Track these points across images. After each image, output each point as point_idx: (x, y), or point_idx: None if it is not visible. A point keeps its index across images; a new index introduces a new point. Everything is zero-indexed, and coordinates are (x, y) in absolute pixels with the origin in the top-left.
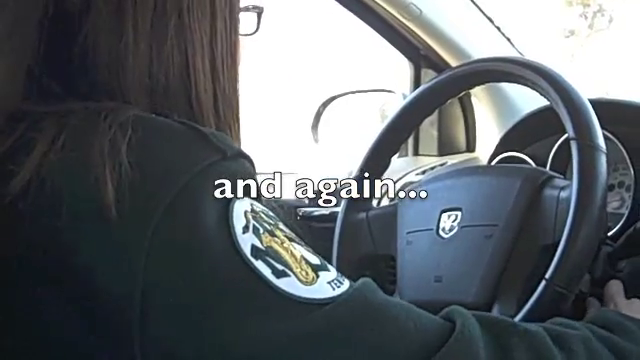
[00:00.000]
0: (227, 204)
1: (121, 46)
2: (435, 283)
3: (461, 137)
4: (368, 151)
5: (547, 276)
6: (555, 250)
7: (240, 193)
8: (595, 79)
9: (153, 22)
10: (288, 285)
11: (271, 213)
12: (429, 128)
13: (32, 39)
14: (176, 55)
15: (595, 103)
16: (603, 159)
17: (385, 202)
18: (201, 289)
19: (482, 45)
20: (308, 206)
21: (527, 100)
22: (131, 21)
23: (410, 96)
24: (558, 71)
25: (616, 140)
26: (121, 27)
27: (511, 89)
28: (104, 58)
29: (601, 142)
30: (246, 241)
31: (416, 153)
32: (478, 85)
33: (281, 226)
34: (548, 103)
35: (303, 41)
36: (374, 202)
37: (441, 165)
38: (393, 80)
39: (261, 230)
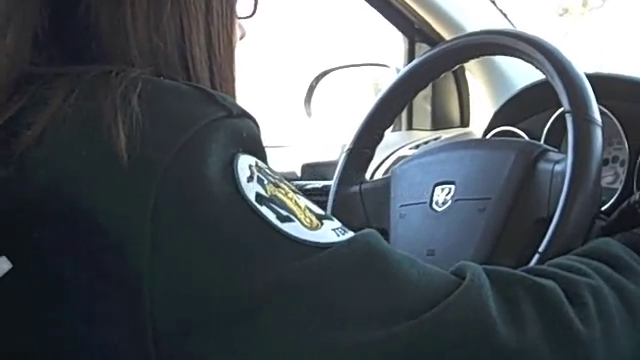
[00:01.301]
0: (232, 156)
1: (119, 15)
2: (428, 257)
3: (455, 111)
4: (361, 125)
5: (540, 249)
6: (549, 224)
7: (245, 148)
8: (589, 57)
9: None
10: (293, 229)
11: (275, 170)
12: (423, 102)
13: (37, 8)
14: (172, 28)
15: (590, 77)
16: (599, 132)
17: (378, 175)
18: (208, 237)
19: (477, 19)
20: (300, 179)
21: (522, 74)
22: None
23: (403, 70)
24: (554, 44)
25: (611, 114)
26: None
27: (506, 63)
28: (106, 27)
29: (597, 115)
30: (250, 189)
31: (410, 127)
32: (472, 58)
33: (285, 181)
34: (543, 77)
35: (297, 14)
36: (367, 175)
37: (435, 139)
38: (387, 54)
39: (265, 181)
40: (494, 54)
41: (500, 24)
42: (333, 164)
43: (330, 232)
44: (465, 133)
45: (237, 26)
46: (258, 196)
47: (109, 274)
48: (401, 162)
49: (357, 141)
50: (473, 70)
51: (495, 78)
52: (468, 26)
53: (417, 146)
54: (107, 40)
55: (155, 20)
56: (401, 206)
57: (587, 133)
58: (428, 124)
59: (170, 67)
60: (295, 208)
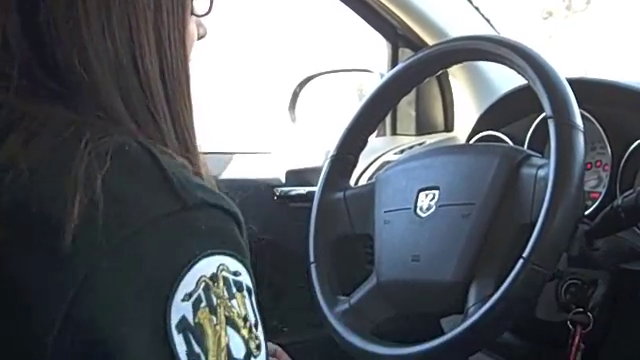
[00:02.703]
0: (186, 262)
1: (73, 21)
2: (413, 262)
3: (439, 116)
4: (345, 130)
5: (524, 255)
6: (532, 229)
7: (203, 246)
8: (573, 60)
9: None
10: None
11: (240, 280)
12: (407, 107)
13: (5, 14)
14: (121, 30)
15: (573, 82)
16: (581, 137)
17: (363, 181)
18: (109, 352)
19: (460, 24)
20: (285, 185)
21: (505, 79)
22: None
23: (387, 75)
24: (535, 49)
25: (593, 119)
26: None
27: (489, 68)
28: (63, 35)
29: (578, 120)
30: (179, 310)
31: (394, 132)
32: (455, 64)
33: (233, 302)
34: (526, 82)
35: (281, 21)
36: (352, 181)
37: (419, 144)
38: (370, 59)
39: (203, 303)
40: (477, 59)
41: (483, 29)
42: (317, 170)
43: None
44: (449, 138)
45: (195, 25)
46: (182, 321)
47: (11, 343)
48: (385, 168)
49: (341, 147)
50: (457, 75)
51: (479, 83)
52: (451, 31)
53: (402, 151)
54: (64, 49)
55: (107, 23)
56: (386, 212)
57: (569, 138)
58: (412, 129)
59: (123, 71)
60: (212, 346)
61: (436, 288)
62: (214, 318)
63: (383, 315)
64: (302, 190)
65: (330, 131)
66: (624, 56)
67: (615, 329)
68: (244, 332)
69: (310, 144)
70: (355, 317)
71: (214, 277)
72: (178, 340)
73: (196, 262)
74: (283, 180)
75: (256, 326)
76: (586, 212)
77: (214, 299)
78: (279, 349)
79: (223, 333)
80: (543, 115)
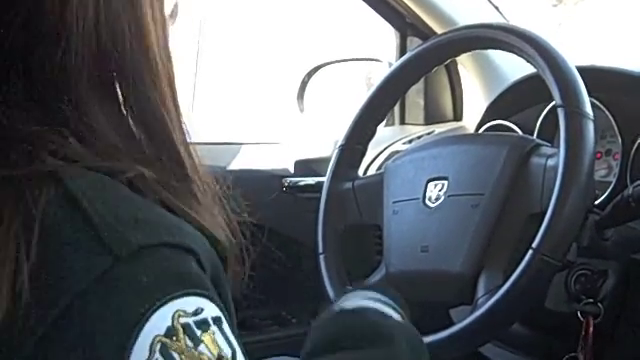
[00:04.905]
0: (133, 326)
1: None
2: (421, 253)
3: (448, 105)
4: (354, 120)
5: (534, 245)
6: (542, 219)
7: (148, 297)
8: (583, 48)
9: None
10: None
11: (204, 316)
12: (415, 97)
13: None
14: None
15: (582, 70)
16: (590, 126)
17: (372, 171)
18: None
19: (469, 12)
20: (293, 176)
21: (514, 68)
22: None
23: (396, 64)
24: (544, 37)
25: (603, 107)
26: None
27: (498, 56)
28: (45, 21)
29: (588, 109)
30: None
31: (403, 122)
32: (464, 52)
33: (200, 348)
34: (535, 70)
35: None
36: (360, 171)
37: (428, 134)
38: (379, 48)
39: None
40: (486, 48)
41: (492, 17)
42: (326, 160)
43: None
44: (458, 127)
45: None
46: None
47: None
48: (394, 158)
49: (349, 137)
50: (466, 64)
51: (488, 72)
52: (460, 20)
53: (410, 141)
54: (46, 34)
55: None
56: (394, 202)
57: (579, 127)
58: (421, 119)
59: (102, 56)
60: None
61: (445, 279)
62: None
63: None
64: (311, 180)
65: (338, 121)
66: (635, 44)
67: (625, 319)
68: None
69: (319, 134)
70: None
71: (170, 331)
72: None
73: (144, 323)
74: (292, 170)
75: (234, 356)
76: (596, 202)
77: (176, 357)
78: None
79: None
80: (553, 104)
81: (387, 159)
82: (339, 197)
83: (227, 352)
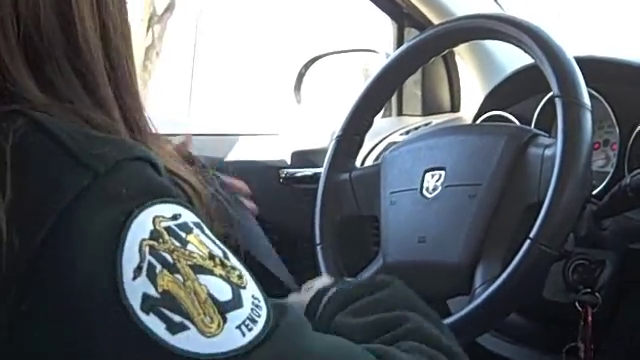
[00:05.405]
0: (116, 235)
1: None
2: (419, 244)
3: (445, 96)
4: (351, 111)
5: (531, 235)
6: (540, 209)
7: (129, 205)
8: (581, 38)
9: None
10: (186, 341)
11: (184, 220)
12: (413, 87)
13: None
14: None
15: (580, 60)
16: (588, 116)
17: (369, 162)
18: (76, 354)
19: (466, 3)
20: (290, 167)
21: (512, 58)
22: None
23: (393, 55)
24: (542, 27)
25: (601, 97)
26: None
27: (496, 47)
28: None
29: (586, 99)
30: (136, 290)
31: (400, 113)
32: (461, 43)
33: (189, 247)
34: (533, 61)
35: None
36: (357, 162)
37: (425, 125)
38: (376, 39)
39: (158, 268)
40: (483, 38)
41: (490, 8)
42: (323, 151)
43: (234, 332)
44: (456, 118)
45: None
46: (145, 299)
47: None
48: (391, 148)
49: (347, 128)
50: (463, 54)
51: (485, 62)
52: (457, 10)
53: (408, 132)
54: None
55: None
56: (391, 193)
57: (576, 117)
58: (418, 109)
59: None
60: (192, 306)
61: (442, 269)
62: (179, 276)
63: None
64: (308, 171)
65: (336, 112)
66: (633, 34)
67: (623, 309)
68: (218, 270)
69: (316, 125)
70: None
71: (154, 233)
72: (151, 322)
73: (127, 231)
74: (288, 161)
75: (226, 256)
76: (594, 192)
77: (168, 256)
78: None
79: (197, 285)
80: (550, 94)
81: (384, 150)
82: (336, 188)
83: (217, 251)
